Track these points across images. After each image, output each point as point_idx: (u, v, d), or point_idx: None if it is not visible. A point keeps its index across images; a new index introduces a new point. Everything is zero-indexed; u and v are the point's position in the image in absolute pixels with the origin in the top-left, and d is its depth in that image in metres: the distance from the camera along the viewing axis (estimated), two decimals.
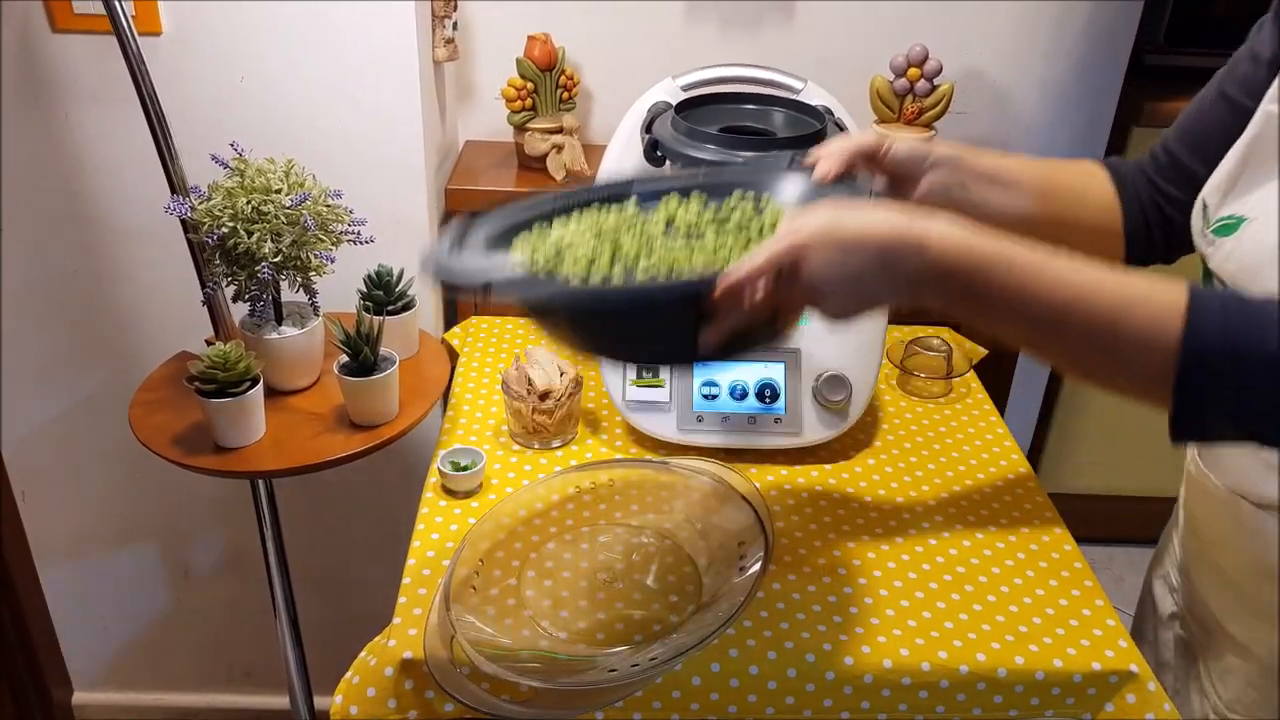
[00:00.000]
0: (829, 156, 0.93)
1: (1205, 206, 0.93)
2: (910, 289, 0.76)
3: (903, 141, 0.96)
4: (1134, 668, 1.02)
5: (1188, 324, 0.68)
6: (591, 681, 0.96)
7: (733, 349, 0.82)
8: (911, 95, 1.66)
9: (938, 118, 1.67)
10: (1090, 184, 1.04)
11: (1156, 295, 0.70)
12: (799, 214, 0.78)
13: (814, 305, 0.78)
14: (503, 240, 0.93)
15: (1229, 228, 0.88)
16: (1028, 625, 1.06)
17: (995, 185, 0.99)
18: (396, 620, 1.04)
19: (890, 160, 0.96)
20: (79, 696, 2.00)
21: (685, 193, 0.96)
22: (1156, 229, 1.03)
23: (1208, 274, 0.92)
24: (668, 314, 0.81)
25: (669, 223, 0.92)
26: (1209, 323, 0.68)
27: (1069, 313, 0.72)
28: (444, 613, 1.01)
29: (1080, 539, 1.20)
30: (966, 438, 1.36)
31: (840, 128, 1.24)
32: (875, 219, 0.75)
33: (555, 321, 0.88)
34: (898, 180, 0.98)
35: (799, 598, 1.08)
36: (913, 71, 1.64)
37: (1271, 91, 0.88)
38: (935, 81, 1.65)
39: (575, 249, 0.86)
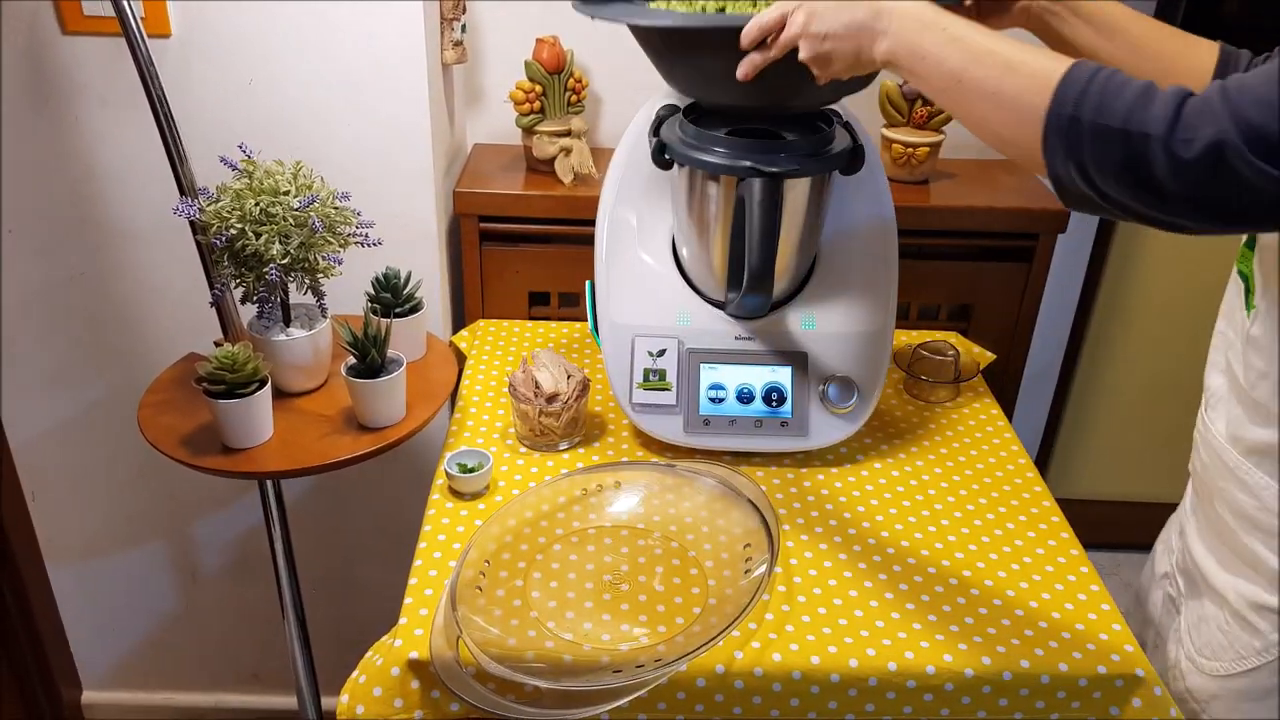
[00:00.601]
0: None
1: None
2: (878, 36, 0.90)
3: None
4: (1140, 672, 1.02)
5: (1055, 92, 0.78)
6: (596, 682, 0.96)
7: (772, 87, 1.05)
8: (921, 99, 1.66)
9: (946, 121, 1.67)
10: (1192, 62, 1.06)
11: (1039, 64, 0.81)
12: None
13: (811, 46, 0.94)
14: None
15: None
16: (1034, 629, 1.06)
17: (1092, 26, 1.07)
18: (403, 621, 1.05)
19: None
20: (88, 696, 2.01)
21: None
22: None
23: None
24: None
25: None
26: (1071, 92, 0.78)
27: (967, 70, 0.85)
28: (450, 613, 1.01)
29: (1086, 544, 1.20)
30: (974, 442, 1.36)
31: (849, 130, 1.24)
32: None
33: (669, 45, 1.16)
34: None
35: (804, 601, 1.08)
36: None
37: None
38: None
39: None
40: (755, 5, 1.17)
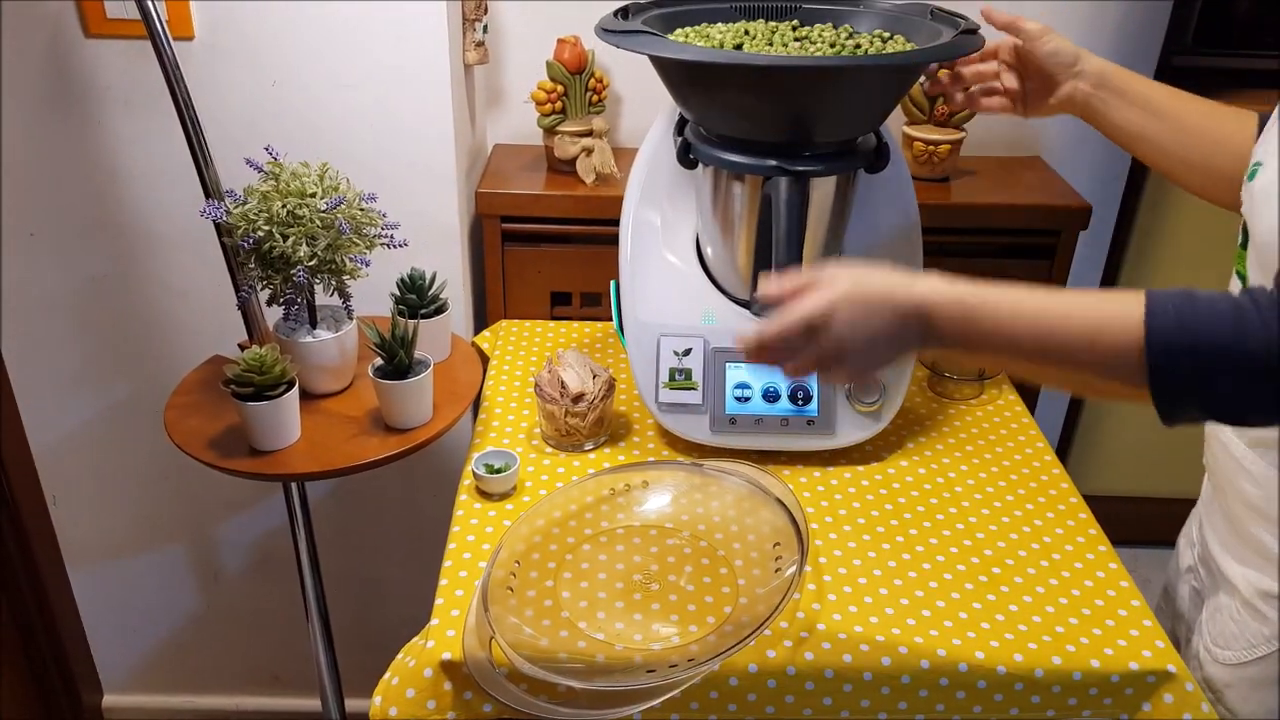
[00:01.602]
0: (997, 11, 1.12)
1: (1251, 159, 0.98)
2: (919, 343, 0.85)
3: (1060, 38, 1.08)
4: (1171, 668, 1.02)
5: (1148, 330, 0.75)
6: (629, 682, 0.96)
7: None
8: (941, 97, 1.65)
9: (967, 119, 1.67)
10: (1235, 137, 1.07)
11: (1118, 311, 0.77)
12: (824, 275, 0.85)
13: (837, 360, 0.85)
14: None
15: (1252, 173, 0.94)
16: (1064, 626, 1.06)
17: (1138, 108, 1.09)
18: (434, 622, 1.05)
19: (1042, 51, 1.09)
20: (109, 699, 2.01)
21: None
22: None
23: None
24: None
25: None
26: (1165, 327, 0.75)
27: (1047, 344, 0.80)
28: (482, 613, 1.02)
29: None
30: (999, 439, 1.36)
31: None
32: (891, 282, 0.84)
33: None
34: (1040, 77, 1.12)
35: (835, 599, 1.08)
36: (944, 73, 1.64)
37: None
38: None
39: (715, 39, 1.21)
40: (771, 45, 1.18)
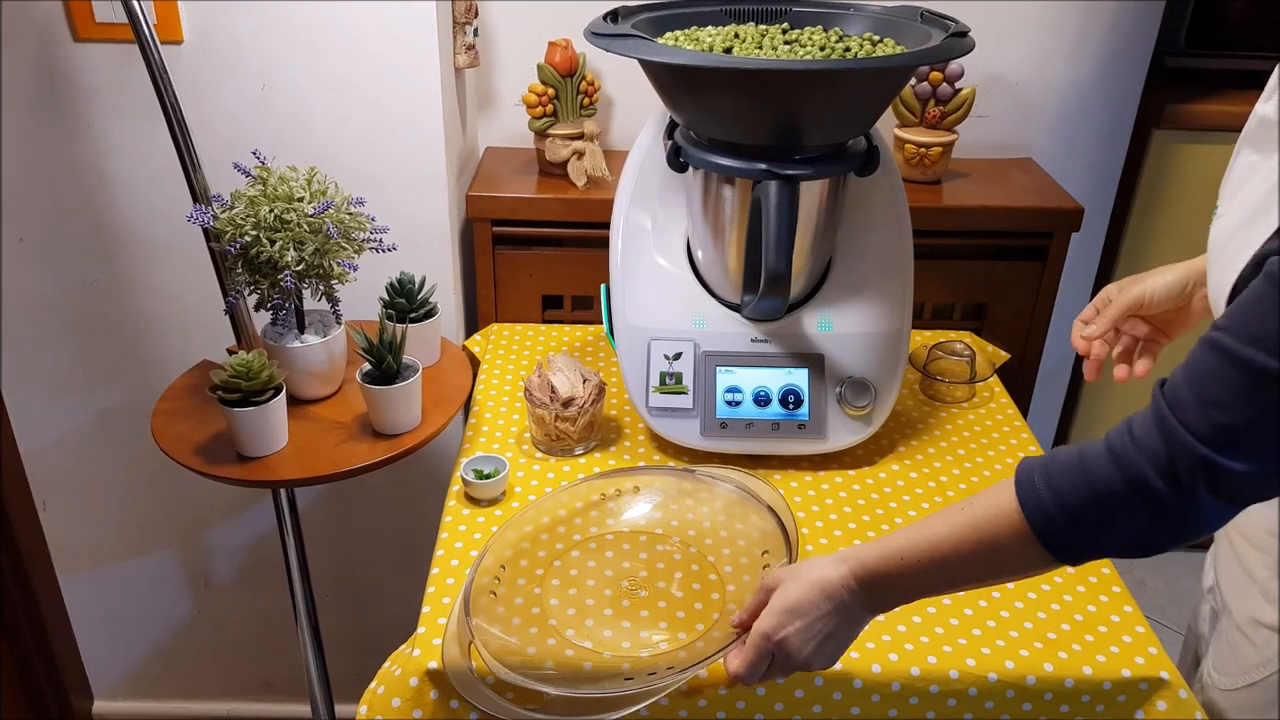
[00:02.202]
0: (1098, 334, 1.12)
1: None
2: (865, 613, 0.88)
3: (1158, 284, 1.08)
4: (1164, 674, 1.01)
5: (1027, 518, 0.77)
6: (615, 689, 0.96)
7: None
8: (933, 99, 1.65)
9: (959, 121, 1.66)
10: None
11: (994, 514, 0.79)
12: (766, 596, 0.90)
13: (805, 664, 0.88)
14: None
15: (1215, 213, 0.93)
16: (1056, 632, 1.05)
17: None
18: (421, 630, 1.04)
19: (1156, 306, 1.09)
20: (99, 706, 2.00)
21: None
22: None
23: None
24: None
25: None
26: (1037, 502, 0.76)
27: (957, 577, 0.84)
28: (463, 619, 1.01)
29: None
30: (991, 442, 1.35)
31: (864, 131, 1.24)
32: (810, 579, 0.87)
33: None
34: (1166, 321, 1.12)
35: None
36: (934, 75, 1.64)
37: (1266, 90, 0.92)
38: (957, 85, 1.65)
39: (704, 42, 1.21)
40: (761, 49, 1.18)
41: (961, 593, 0.92)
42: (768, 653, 0.88)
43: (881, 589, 0.86)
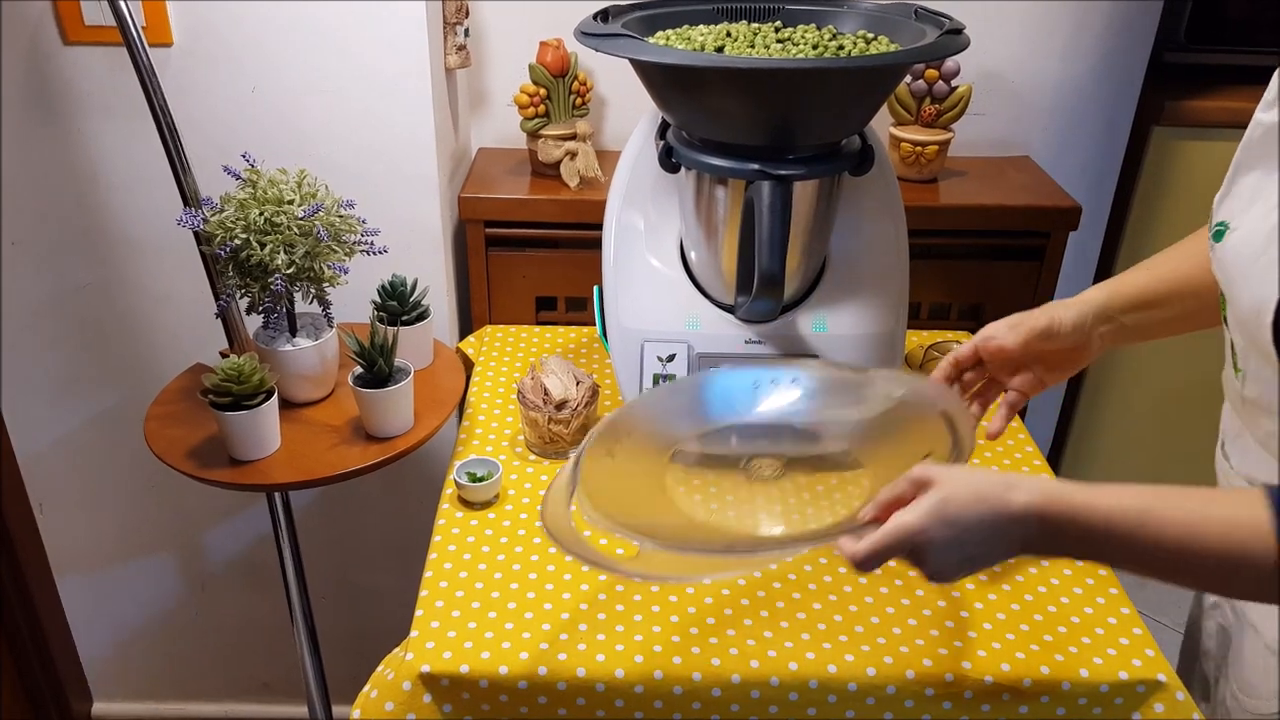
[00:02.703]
0: (997, 369, 1.04)
1: (1212, 213, 0.93)
2: (1022, 552, 0.80)
3: (1066, 314, 1.01)
4: (1161, 677, 1.00)
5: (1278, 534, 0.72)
6: (707, 548, 0.91)
7: None
8: (929, 97, 1.64)
9: (955, 119, 1.65)
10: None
11: (1244, 519, 0.73)
12: (916, 491, 0.81)
13: (933, 575, 0.81)
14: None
15: (1219, 234, 0.90)
16: (1053, 634, 1.04)
17: (1147, 310, 1.03)
18: (414, 634, 1.03)
19: (1062, 338, 1.01)
20: (98, 707, 2.00)
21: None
22: None
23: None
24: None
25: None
26: None
27: (1176, 561, 0.76)
28: (574, 470, 0.95)
29: None
30: (988, 443, 1.35)
31: (859, 130, 1.23)
32: (980, 494, 0.78)
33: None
34: (1070, 353, 1.04)
35: (819, 608, 1.07)
36: (930, 73, 1.63)
37: (1267, 98, 0.88)
38: (953, 83, 1.64)
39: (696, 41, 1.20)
40: (753, 47, 1.17)
41: (1136, 574, 0.83)
42: (902, 549, 0.80)
43: (1063, 540, 0.78)
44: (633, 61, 1.12)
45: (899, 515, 0.80)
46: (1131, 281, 1.04)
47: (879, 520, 0.82)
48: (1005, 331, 1.02)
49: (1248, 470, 0.99)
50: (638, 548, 0.89)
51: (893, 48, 1.18)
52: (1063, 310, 1.02)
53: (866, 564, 0.81)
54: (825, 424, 1.08)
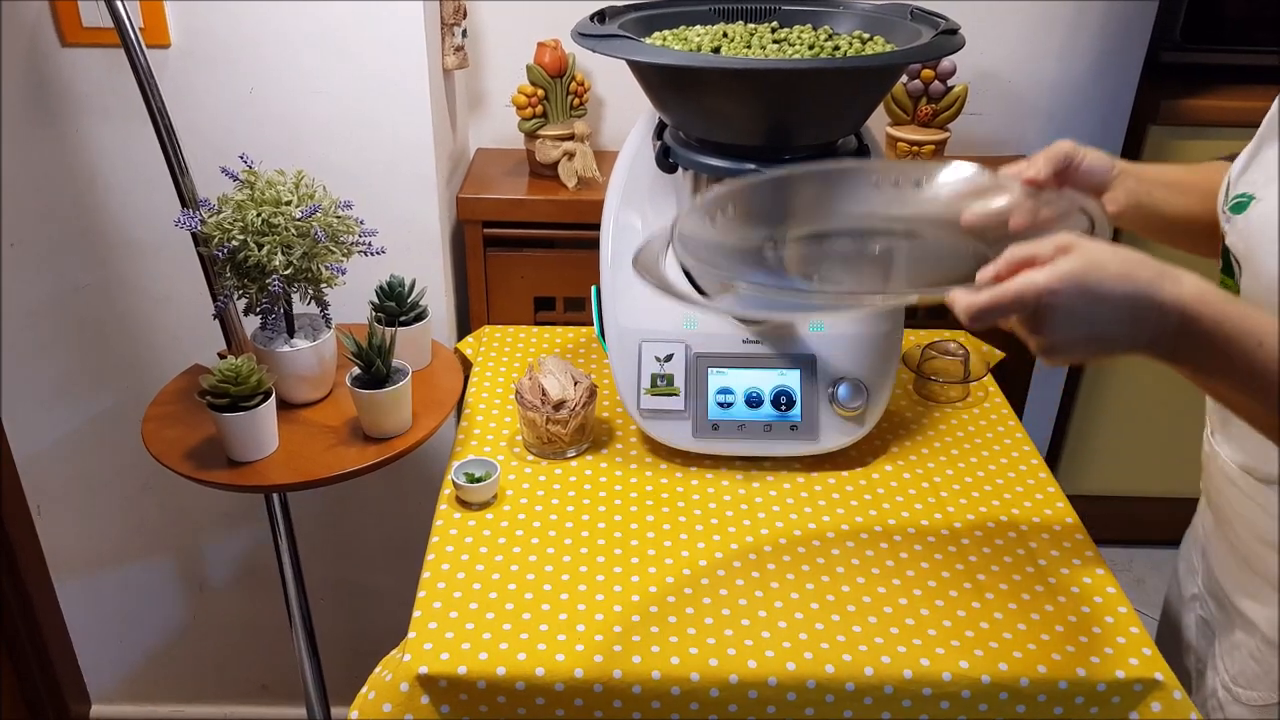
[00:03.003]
0: (1038, 162, 0.94)
1: (1228, 183, 0.94)
2: (1148, 345, 0.75)
3: (1092, 153, 0.97)
4: (1159, 675, 1.00)
5: None
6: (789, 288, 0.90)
7: None
8: (925, 97, 1.65)
9: (952, 119, 1.66)
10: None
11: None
12: (1052, 246, 0.75)
13: (1049, 347, 0.76)
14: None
15: (1240, 205, 0.90)
16: (1050, 633, 1.04)
17: (1171, 190, 1.00)
18: (411, 635, 1.03)
19: (1084, 170, 0.97)
20: (96, 710, 2.00)
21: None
22: None
23: (1226, 252, 0.93)
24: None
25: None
26: None
27: None
28: (671, 226, 0.93)
29: (1101, 541, 1.19)
30: (985, 443, 1.35)
31: (855, 130, 1.23)
32: (1129, 272, 0.74)
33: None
34: (1085, 190, 0.98)
35: (817, 607, 1.07)
36: (926, 73, 1.63)
37: None
38: (949, 83, 1.64)
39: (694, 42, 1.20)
40: (750, 48, 1.17)
41: (1242, 410, 0.78)
42: (1025, 307, 0.73)
43: (1197, 341, 0.73)
44: (629, 62, 1.12)
45: (1030, 273, 0.73)
46: (1148, 165, 1.02)
47: (1000, 278, 0.75)
48: (1090, 153, 0.98)
49: (1242, 459, 0.99)
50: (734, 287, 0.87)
51: (888, 48, 1.19)
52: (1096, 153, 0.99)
53: (982, 316, 0.74)
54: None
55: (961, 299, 0.75)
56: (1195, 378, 0.77)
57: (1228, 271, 0.95)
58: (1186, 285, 0.73)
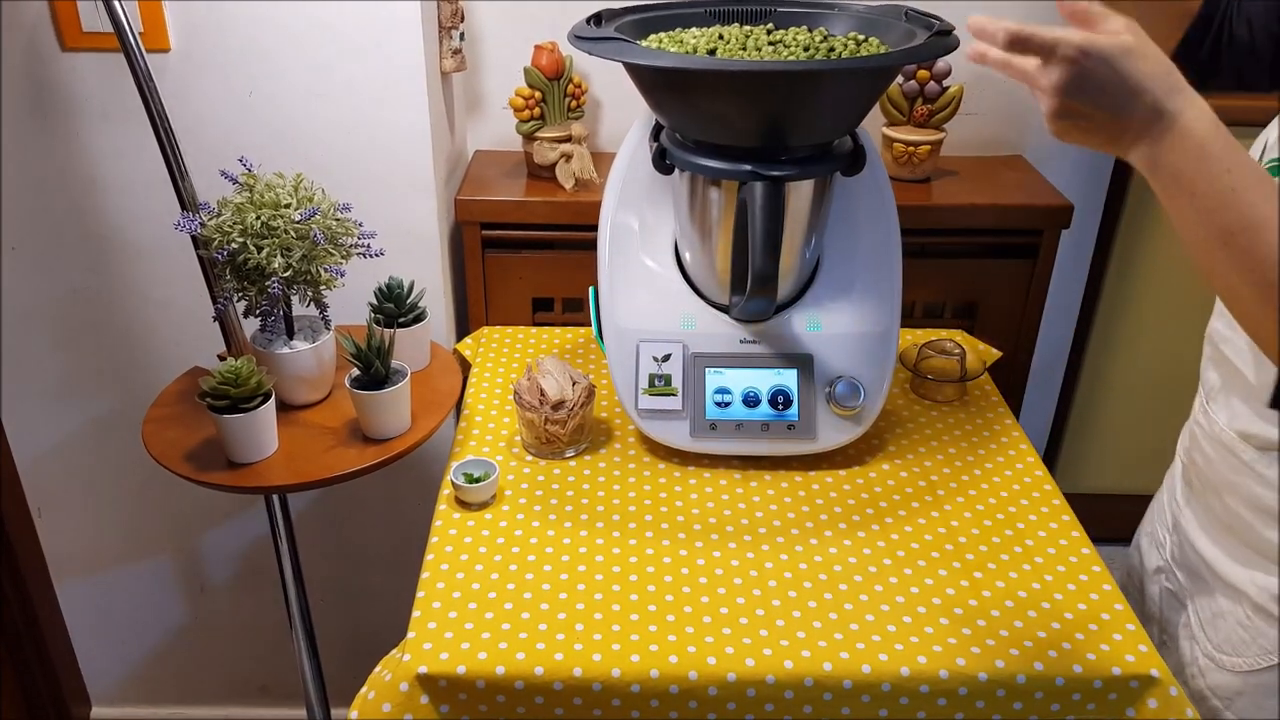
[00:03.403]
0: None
1: (1265, 145, 0.96)
2: (1140, 141, 0.76)
3: None
4: (1155, 672, 1.01)
5: None
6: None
7: None
8: (921, 97, 1.65)
9: (947, 119, 1.66)
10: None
11: None
12: (1123, 29, 0.76)
13: (1060, 110, 0.77)
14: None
15: (1276, 169, 0.92)
16: (1047, 631, 1.05)
17: None
18: (411, 635, 1.04)
19: None
20: (97, 711, 2.01)
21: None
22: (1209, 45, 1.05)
23: None
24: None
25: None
26: None
27: (1255, 238, 0.74)
28: None
29: (1098, 539, 1.19)
30: (981, 441, 1.35)
31: (850, 131, 1.23)
32: (1159, 68, 0.75)
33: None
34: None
35: (815, 606, 1.08)
36: (922, 74, 1.64)
37: None
38: (944, 83, 1.65)
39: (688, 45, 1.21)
40: (745, 50, 1.18)
41: (1192, 247, 0.80)
42: (1063, 54, 0.74)
43: (1180, 157, 0.75)
44: (625, 64, 1.13)
45: (1085, 31, 0.75)
46: None
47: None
48: None
49: (1242, 426, 1.00)
50: None
51: (883, 49, 1.19)
52: None
53: (1019, 39, 0.75)
54: None
55: (1004, 24, 0.75)
56: (1171, 199, 0.78)
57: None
58: (1195, 104, 0.75)
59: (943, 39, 1.12)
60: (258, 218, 1.19)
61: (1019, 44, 0.75)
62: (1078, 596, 1.10)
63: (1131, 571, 1.26)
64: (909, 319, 1.71)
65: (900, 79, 1.65)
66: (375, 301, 1.37)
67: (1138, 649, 1.03)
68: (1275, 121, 0.97)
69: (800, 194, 1.20)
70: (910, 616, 1.07)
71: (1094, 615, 1.07)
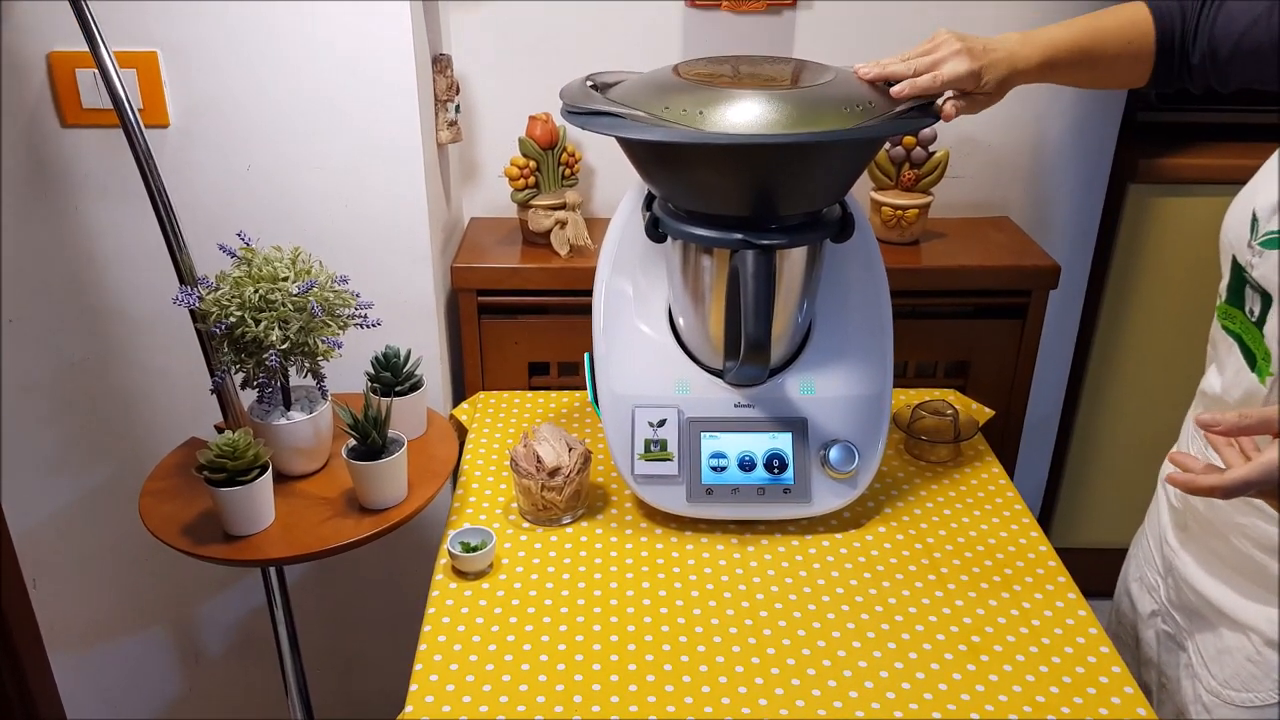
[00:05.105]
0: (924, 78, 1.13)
1: (1255, 219, 0.97)
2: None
3: (994, 63, 1.14)
4: (1141, 710, 1.02)
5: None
6: None
7: None
8: (908, 162, 1.68)
9: (934, 183, 1.69)
10: (1133, 33, 1.15)
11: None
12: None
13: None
14: None
15: (1275, 241, 0.93)
16: (1045, 695, 1.05)
17: (1076, 70, 1.17)
18: (409, 709, 1.03)
19: (987, 87, 1.15)
20: None
21: None
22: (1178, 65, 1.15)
23: (1241, 284, 0.98)
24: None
25: None
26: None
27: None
28: None
29: (1096, 592, 1.20)
30: (976, 502, 1.36)
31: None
32: None
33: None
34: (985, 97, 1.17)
35: (814, 673, 1.07)
36: (908, 139, 1.67)
37: None
38: (930, 149, 1.68)
39: None
40: None
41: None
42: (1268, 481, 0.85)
43: None
44: (620, 140, 1.15)
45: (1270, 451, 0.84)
46: (1048, 37, 1.16)
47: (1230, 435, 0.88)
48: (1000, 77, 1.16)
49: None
50: None
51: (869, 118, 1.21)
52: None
53: (1234, 490, 0.86)
54: None
55: (1203, 479, 0.87)
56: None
57: (1234, 300, 0.98)
58: None
59: (926, 109, 1.15)
60: (255, 291, 1.20)
61: (1239, 491, 0.86)
62: (1064, 640, 1.12)
63: (1122, 618, 1.27)
64: (902, 379, 1.72)
65: (887, 145, 1.68)
66: (372, 370, 1.38)
67: (1123, 691, 1.05)
68: (1257, 183, 0.99)
69: (792, 261, 1.21)
70: (902, 663, 1.08)
71: (1080, 659, 1.09)
